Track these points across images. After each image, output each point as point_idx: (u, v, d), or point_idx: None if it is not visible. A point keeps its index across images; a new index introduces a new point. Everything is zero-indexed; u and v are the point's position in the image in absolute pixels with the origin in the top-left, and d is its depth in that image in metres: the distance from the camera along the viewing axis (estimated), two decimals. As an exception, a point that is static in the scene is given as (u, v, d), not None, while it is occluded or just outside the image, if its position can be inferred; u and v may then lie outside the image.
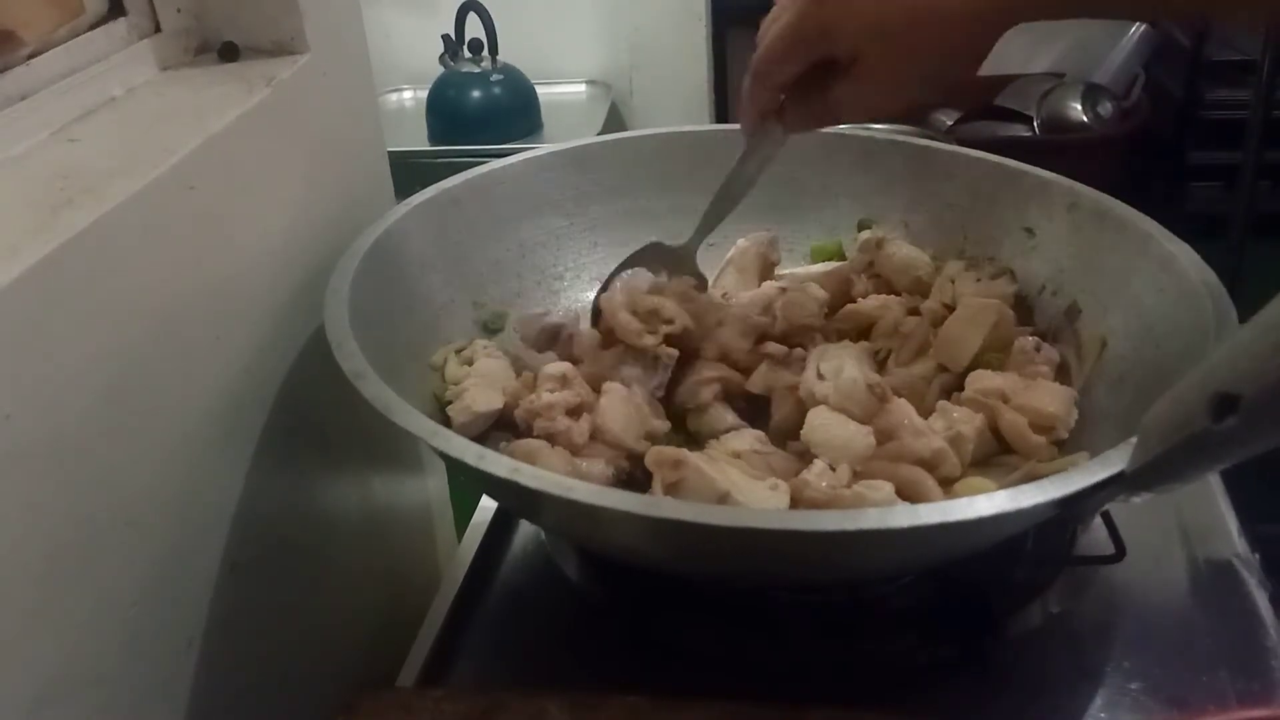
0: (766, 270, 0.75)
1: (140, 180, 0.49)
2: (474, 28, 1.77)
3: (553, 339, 0.69)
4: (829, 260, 0.77)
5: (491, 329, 0.71)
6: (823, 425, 0.59)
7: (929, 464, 0.57)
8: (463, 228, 0.71)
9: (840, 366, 0.62)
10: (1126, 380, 0.61)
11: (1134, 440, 0.45)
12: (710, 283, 0.75)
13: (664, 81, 1.98)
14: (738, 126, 0.64)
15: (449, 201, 0.70)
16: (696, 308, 0.67)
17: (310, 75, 0.64)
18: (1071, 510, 0.48)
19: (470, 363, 0.65)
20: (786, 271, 0.76)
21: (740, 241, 0.76)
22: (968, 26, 0.52)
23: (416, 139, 1.83)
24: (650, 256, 0.71)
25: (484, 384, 0.62)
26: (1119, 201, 0.67)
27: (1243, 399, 0.37)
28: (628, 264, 0.70)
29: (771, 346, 0.66)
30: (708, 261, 0.78)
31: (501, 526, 0.69)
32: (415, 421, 0.50)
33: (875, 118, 0.60)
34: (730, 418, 0.64)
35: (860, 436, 0.58)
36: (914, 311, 0.70)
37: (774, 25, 0.56)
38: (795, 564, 0.51)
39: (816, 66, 0.56)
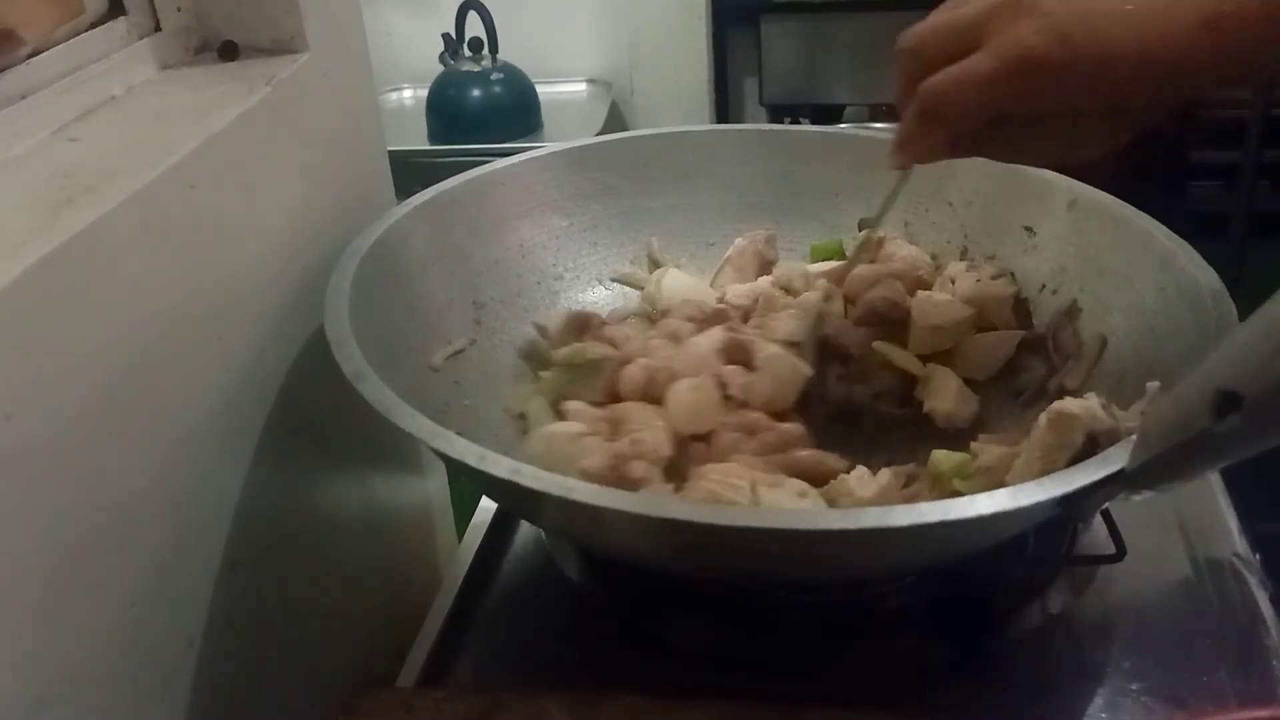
0: (764, 269, 0.75)
1: (140, 180, 0.49)
2: (474, 27, 1.78)
3: (582, 328, 0.69)
4: (829, 259, 0.77)
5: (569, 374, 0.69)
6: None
7: None
8: (463, 228, 0.71)
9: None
10: (1127, 379, 0.61)
11: (1134, 438, 0.45)
12: (709, 282, 0.75)
13: (664, 81, 1.99)
14: (738, 126, 0.64)
15: (449, 202, 0.70)
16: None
17: (310, 74, 0.64)
18: (1072, 509, 0.48)
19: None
20: (785, 266, 0.76)
21: (738, 240, 0.76)
22: (1167, 91, 0.49)
23: (417, 138, 1.83)
24: None
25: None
26: (1119, 200, 0.67)
27: (1245, 397, 0.37)
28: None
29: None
30: (707, 261, 0.78)
31: (501, 526, 0.69)
32: (416, 423, 0.50)
33: (1027, 164, 0.58)
34: None
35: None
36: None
37: (962, 69, 0.50)
38: (795, 563, 0.51)
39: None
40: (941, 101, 0.51)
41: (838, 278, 0.72)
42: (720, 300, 0.72)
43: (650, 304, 0.74)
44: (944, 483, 0.57)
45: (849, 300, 0.70)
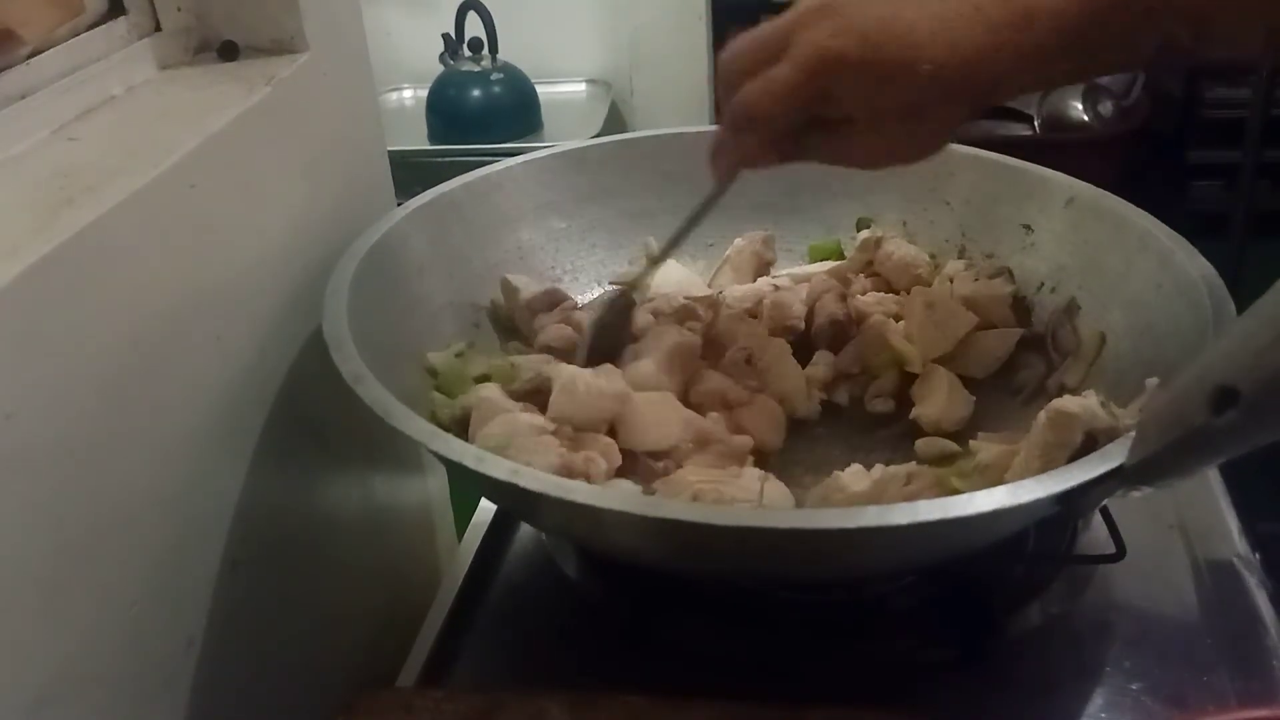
0: (762, 269, 0.75)
1: (140, 179, 0.49)
2: (474, 27, 1.78)
3: (552, 306, 0.69)
4: (827, 259, 0.78)
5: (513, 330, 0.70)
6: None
7: None
8: (461, 230, 0.71)
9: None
10: (1126, 376, 0.61)
11: (1133, 434, 0.45)
12: (708, 282, 0.75)
13: (664, 81, 1.98)
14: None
15: (448, 204, 0.70)
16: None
17: (310, 74, 0.64)
18: (1072, 505, 0.48)
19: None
20: (784, 272, 0.76)
21: (737, 241, 0.76)
22: (976, 91, 0.50)
23: (416, 138, 1.83)
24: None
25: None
26: (1117, 197, 0.67)
27: (1242, 392, 0.37)
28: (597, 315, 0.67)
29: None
30: (706, 261, 0.78)
31: (501, 526, 0.69)
32: (414, 425, 0.50)
33: (856, 167, 0.58)
34: None
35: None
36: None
37: (757, 70, 0.52)
38: (795, 562, 0.51)
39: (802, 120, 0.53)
40: (749, 110, 0.52)
41: (840, 278, 0.72)
42: (716, 298, 0.72)
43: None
44: (931, 474, 0.57)
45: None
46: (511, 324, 0.71)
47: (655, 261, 0.68)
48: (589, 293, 0.76)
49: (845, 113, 0.51)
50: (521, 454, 0.54)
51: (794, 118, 0.52)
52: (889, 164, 0.56)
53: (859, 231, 0.78)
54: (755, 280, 0.75)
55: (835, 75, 0.49)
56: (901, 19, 0.48)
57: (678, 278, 0.74)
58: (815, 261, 0.78)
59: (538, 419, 0.57)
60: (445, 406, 0.62)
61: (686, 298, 0.70)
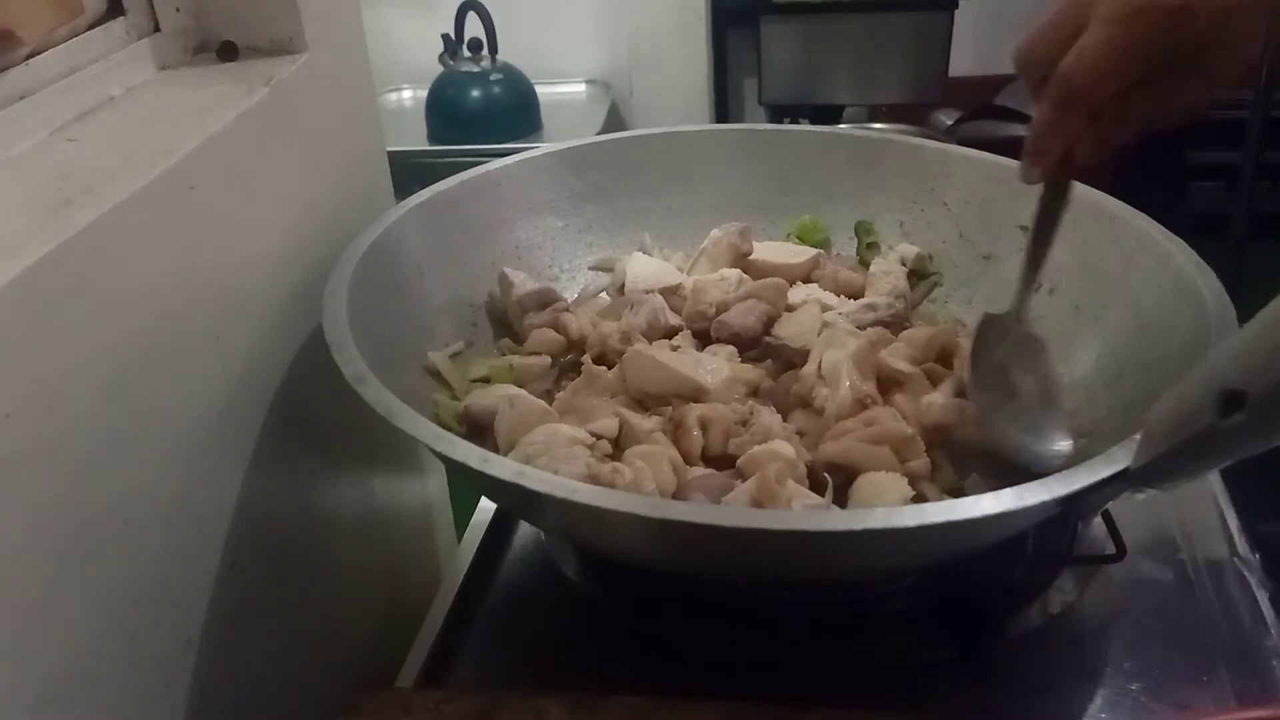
0: (739, 260, 0.75)
1: (140, 180, 0.49)
2: (474, 27, 1.78)
3: (542, 306, 0.70)
4: (803, 239, 0.78)
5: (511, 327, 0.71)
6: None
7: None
8: (459, 229, 0.71)
9: (838, 368, 0.62)
10: (1125, 377, 0.61)
11: (1138, 437, 0.45)
12: (686, 271, 0.75)
13: (664, 81, 1.98)
14: (732, 126, 0.63)
15: (446, 203, 0.70)
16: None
17: (309, 75, 0.64)
18: (1076, 508, 0.48)
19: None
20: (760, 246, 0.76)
21: (714, 232, 0.76)
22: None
23: (416, 139, 1.83)
24: (986, 330, 0.62)
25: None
26: (1115, 199, 0.67)
27: (1249, 395, 0.37)
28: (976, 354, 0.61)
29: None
30: (683, 248, 0.77)
31: (501, 526, 0.69)
32: (417, 425, 0.50)
33: (1176, 117, 0.54)
34: None
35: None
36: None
37: (1079, 49, 0.49)
38: (798, 563, 0.51)
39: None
40: (1072, 80, 0.50)
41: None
42: (681, 287, 0.72)
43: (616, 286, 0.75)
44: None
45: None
46: (505, 320, 0.71)
47: (1022, 293, 0.61)
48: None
49: (1178, 56, 0.49)
50: (554, 462, 0.55)
51: (1121, 76, 0.49)
52: (1209, 97, 0.52)
53: (858, 236, 0.78)
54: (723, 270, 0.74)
55: (1150, 21, 0.48)
56: None
57: (650, 269, 0.74)
58: (799, 243, 0.78)
59: (577, 431, 0.58)
60: (446, 406, 0.62)
61: (661, 289, 0.71)
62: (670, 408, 0.61)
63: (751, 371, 0.66)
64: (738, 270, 0.73)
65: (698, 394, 0.62)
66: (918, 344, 0.66)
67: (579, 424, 0.60)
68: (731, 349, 0.68)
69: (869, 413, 0.60)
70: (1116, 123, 0.52)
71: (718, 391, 0.62)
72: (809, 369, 0.64)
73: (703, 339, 0.70)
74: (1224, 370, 0.39)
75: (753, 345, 0.69)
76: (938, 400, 0.60)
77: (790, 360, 0.67)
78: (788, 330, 0.69)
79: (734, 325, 0.68)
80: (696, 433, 0.59)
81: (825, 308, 0.71)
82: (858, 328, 0.68)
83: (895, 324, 0.70)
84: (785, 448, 0.57)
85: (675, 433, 0.60)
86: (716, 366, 0.64)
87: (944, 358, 0.66)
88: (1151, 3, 0.47)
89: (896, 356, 0.64)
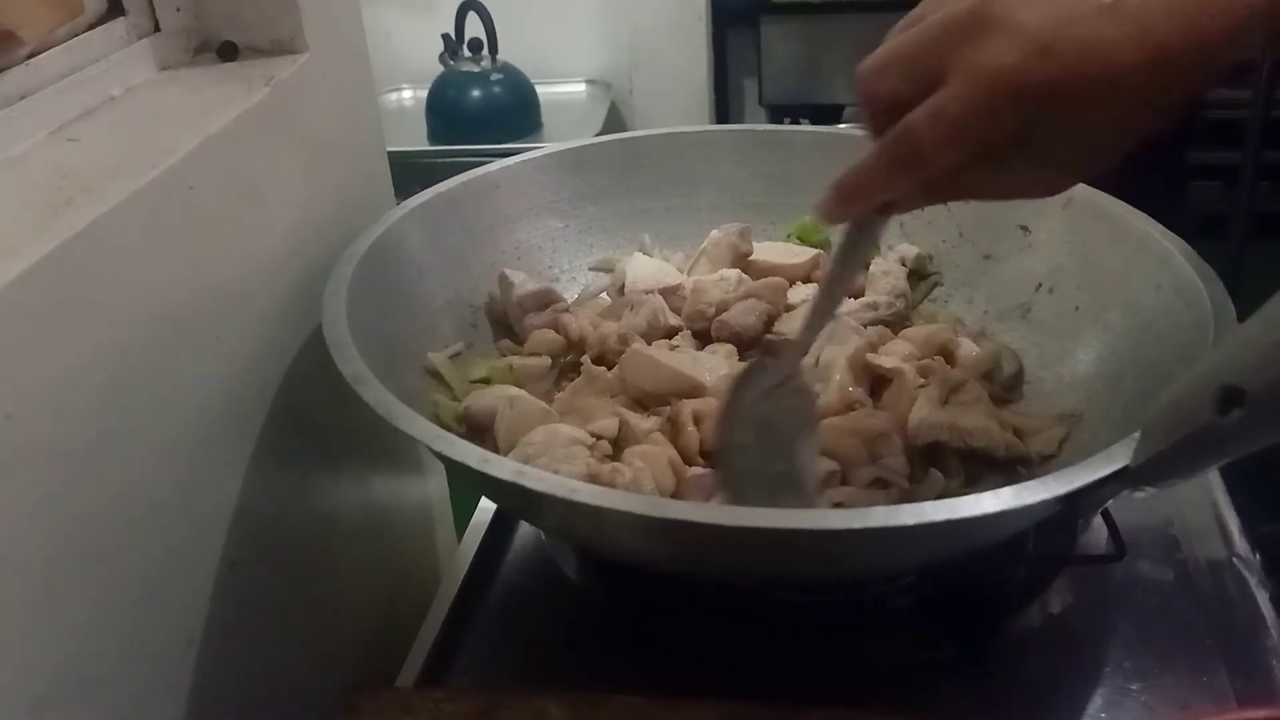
0: (739, 261, 0.75)
1: (140, 180, 0.49)
2: (474, 27, 1.78)
3: (543, 306, 0.70)
4: (803, 240, 0.78)
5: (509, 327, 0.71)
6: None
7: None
8: (459, 230, 0.71)
9: (832, 366, 0.62)
10: (1125, 376, 0.61)
11: (1137, 435, 0.45)
12: (686, 272, 0.75)
13: (664, 81, 1.99)
14: (732, 127, 0.63)
15: (446, 204, 0.70)
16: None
17: (310, 75, 0.64)
18: (1077, 506, 0.48)
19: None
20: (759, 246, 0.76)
21: (713, 233, 0.75)
22: (1150, 79, 0.41)
23: (416, 139, 1.83)
24: (756, 373, 0.57)
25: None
26: (1114, 199, 0.67)
27: (1249, 393, 0.37)
28: (738, 389, 0.56)
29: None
30: (683, 249, 0.78)
31: (501, 526, 0.69)
32: (417, 426, 0.50)
33: (1012, 199, 0.52)
34: None
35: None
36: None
37: (934, 110, 0.43)
38: (800, 562, 0.51)
39: None
40: (919, 146, 0.44)
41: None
42: (681, 288, 0.72)
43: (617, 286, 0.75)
44: None
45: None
46: (505, 320, 0.71)
47: (807, 335, 0.56)
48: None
49: (1019, 142, 0.43)
50: (554, 462, 0.55)
51: (972, 152, 0.43)
52: (1054, 192, 0.48)
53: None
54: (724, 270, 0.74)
55: (1018, 102, 0.42)
56: (1079, 17, 0.41)
57: (650, 269, 0.74)
58: (799, 243, 0.78)
59: (577, 431, 0.58)
60: (446, 407, 0.62)
61: (661, 289, 0.72)
62: (669, 407, 0.61)
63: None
64: (737, 270, 0.73)
65: (696, 392, 0.62)
66: (917, 341, 0.67)
67: (579, 424, 0.60)
68: (731, 348, 0.68)
69: (855, 411, 0.60)
70: (948, 189, 0.48)
71: (715, 388, 0.62)
72: (806, 361, 0.64)
73: (703, 339, 0.70)
74: (1223, 368, 0.39)
75: (753, 344, 0.69)
76: (926, 419, 0.59)
77: None
78: (789, 328, 0.69)
79: (734, 324, 0.69)
80: (692, 429, 0.59)
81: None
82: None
83: (896, 324, 0.71)
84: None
85: (672, 431, 0.60)
86: (715, 364, 0.64)
87: (944, 354, 0.67)
88: (1023, 81, 0.41)
89: (891, 353, 0.65)
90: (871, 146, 0.46)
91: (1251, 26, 0.41)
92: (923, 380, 0.63)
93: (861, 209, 0.49)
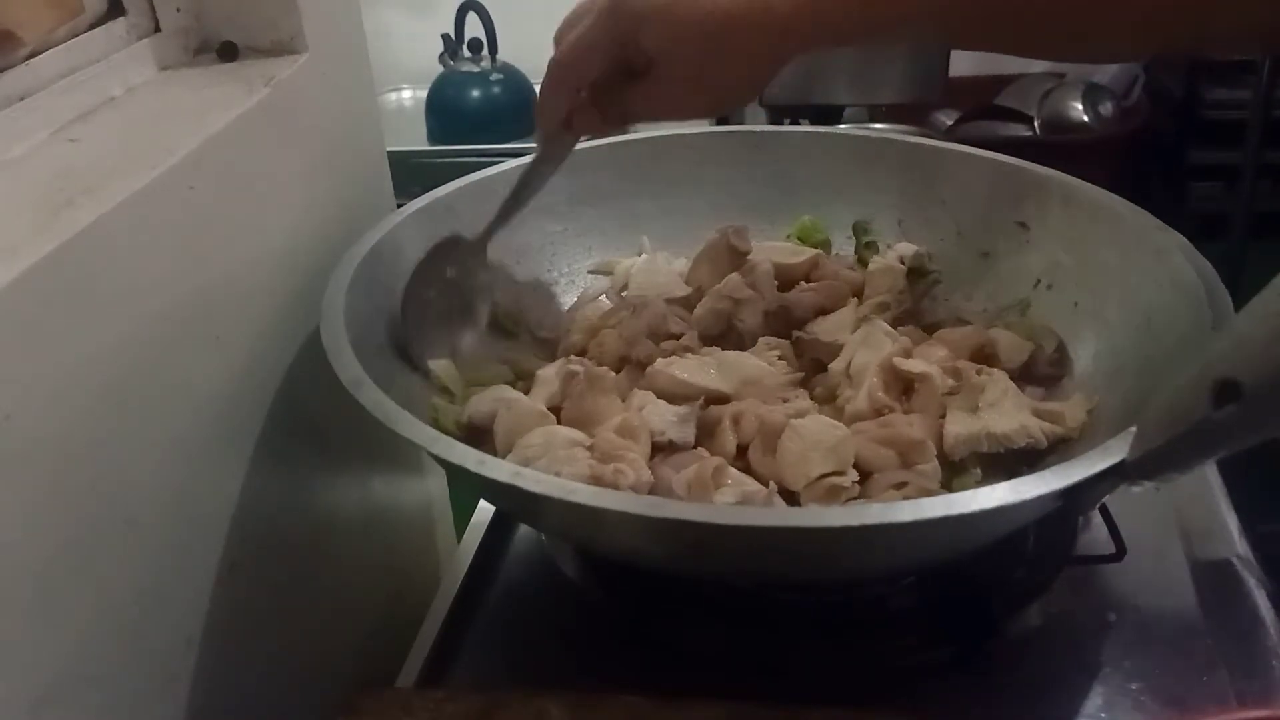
0: (738, 261, 0.75)
1: (140, 180, 0.49)
2: (474, 27, 1.78)
3: None
4: (803, 239, 0.77)
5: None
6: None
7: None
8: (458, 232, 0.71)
9: (864, 373, 0.62)
10: (1124, 371, 0.61)
11: (1133, 430, 0.45)
12: (684, 276, 0.75)
13: (664, 82, 1.98)
14: (731, 128, 0.64)
15: (443, 208, 0.70)
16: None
17: (310, 75, 0.64)
18: (1074, 501, 0.48)
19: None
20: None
21: (711, 234, 0.75)
22: (768, 39, 0.54)
23: (416, 139, 1.83)
24: (446, 249, 0.68)
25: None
26: (1113, 195, 0.67)
27: (1244, 386, 0.37)
28: (426, 260, 0.67)
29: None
30: (683, 250, 0.77)
31: (501, 527, 0.69)
32: (416, 430, 0.50)
33: (670, 119, 0.62)
34: None
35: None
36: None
37: (573, 30, 0.58)
38: (800, 561, 0.51)
39: (614, 71, 0.58)
40: (560, 60, 0.58)
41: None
42: (693, 293, 0.72)
43: (616, 289, 0.75)
44: None
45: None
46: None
47: (494, 225, 0.68)
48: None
49: (648, 59, 0.56)
50: (554, 464, 0.55)
51: (601, 66, 0.57)
52: (699, 113, 0.60)
53: (856, 235, 0.78)
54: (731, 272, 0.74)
55: (633, 20, 0.55)
56: None
57: (658, 279, 0.74)
58: (799, 243, 0.77)
59: (574, 433, 0.58)
60: (446, 410, 0.62)
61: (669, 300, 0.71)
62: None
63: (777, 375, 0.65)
64: (737, 275, 0.73)
65: (723, 401, 0.62)
66: (951, 344, 0.66)
67: (590, 429, 0.59)
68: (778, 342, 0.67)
69: (886, 416, 0.60)
70: (611, 106, 0.60)
71: (743, 391, 0.62)
72: (838, 365, 0.64)
73: (709, 343, 0.69)
74: (1218, 361, 0.39)
75: (798, 326, 0.69)
76: (960, 433, 0.59)
77: (820, 359, 0.67)
78: (821, 325, 0.68)
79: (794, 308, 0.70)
80: (729, 431, 0.59)
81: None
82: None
83: (895, 324, 0.70)
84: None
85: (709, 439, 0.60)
86: (741, 367, 0.64)
87: (979, 357, 0.66)
88: (619, 9, 0.55)
89: (925, 358, 0.64)
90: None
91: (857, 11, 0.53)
92: (953, 383, 0.62)
93: (546, 122, 0.62)
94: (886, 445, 0.57)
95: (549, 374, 0.64)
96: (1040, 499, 0.44)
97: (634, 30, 0.55)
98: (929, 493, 0.56)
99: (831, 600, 0.60)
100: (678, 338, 0.69)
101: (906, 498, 0.55)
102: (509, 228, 0.74)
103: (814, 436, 0.56)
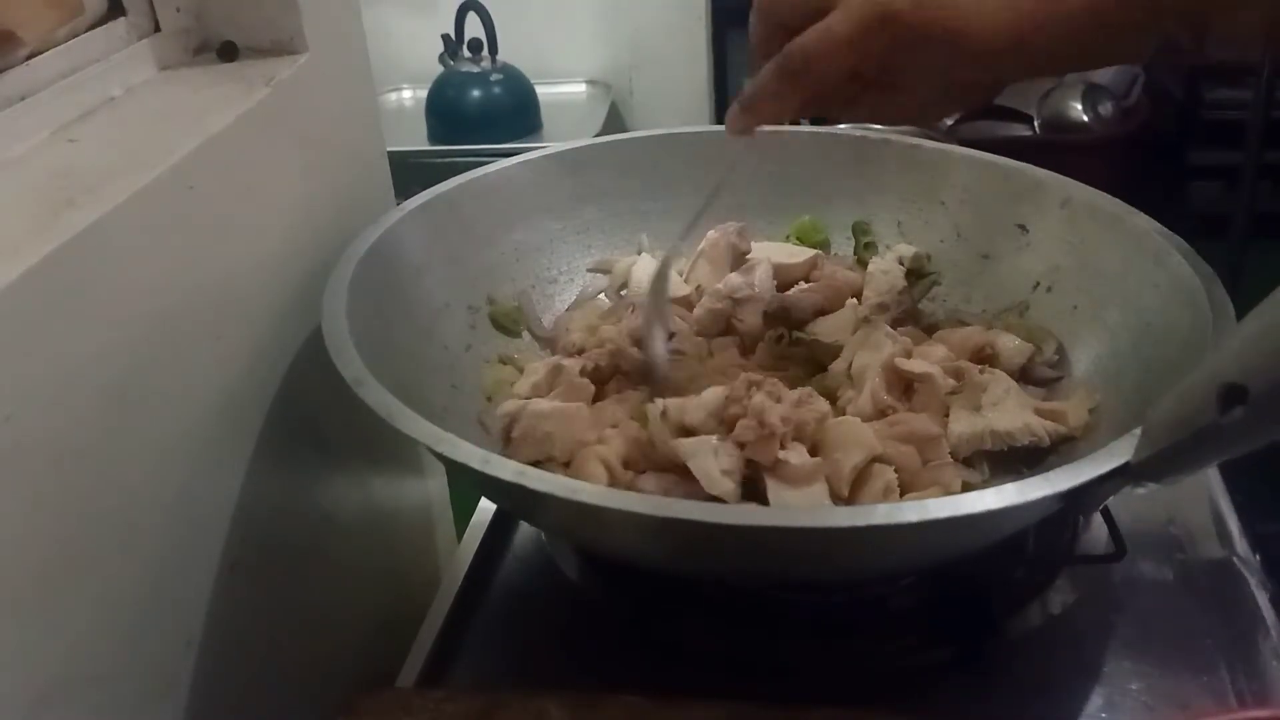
0: (738, 260, 0.75)
1: (140, 180, 0.49)
2: (474, 27, 1.78)
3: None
4: (801, 239, 0.78)
5: (507, 329, 0.71)
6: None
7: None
8: (458, 231, 0.71)
9: (866, 374, 0.62)
10: (1125, 374, 0.61)
11: (1138, 432, 0.45)
12: (683, 277, 0.75)
13: (664, 81, 1.99)
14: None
15: (444, 206, 0.70)
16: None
17: (310, 75, 0.64)
18: (1078, 503, 0.48)
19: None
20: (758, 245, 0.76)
21: (710, 233, 0.75)
22: (1011, 46, 0.52)
23: (416, 139, 1.83)
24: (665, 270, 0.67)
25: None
26: (1112, 197, 0.67)
27: (1250, 390, 0.37)
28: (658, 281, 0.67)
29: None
30: (688, 249, 0.77)
31: (501, 527, 0.69)
32: (419, 427, 0.50)
33: (891, 125, 0.63)
34: None
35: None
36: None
37: (823, 29, 0.53)
38: (802, 561, 0.51)
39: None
40: (809, 56, 0.53)
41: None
42: (693, 293, 0.72)
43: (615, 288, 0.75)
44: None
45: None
46: (504, 324, 0.71)
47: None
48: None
49: (887, 71, 0.54)
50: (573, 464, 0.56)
51: (847, 72, 0.54)
52: (920, 123, 0.61)
53: (855, 236, 0.78)
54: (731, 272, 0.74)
55: (888, 33, 0.52)
56: None
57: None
58: (798, 243, 0.77)
59: (591, 433, 0.59)
60: (489, 414, 0.63)
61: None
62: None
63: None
64: (736, 275, 0.73)
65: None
66: (952, 344, 0.66)
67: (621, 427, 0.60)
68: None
69: (895, 415, 0.60)
70: (842, 107, 0.58)
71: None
72: (838, 366, 0.64)
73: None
74: (1225, 366, 0.39)
75: (797, 326, 0.69)
76: (964, 432, 0.59)
77: (819, 359, 0.67)
78: (821, 326, 0.68)
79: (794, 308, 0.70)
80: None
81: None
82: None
83: (894, 324, 0.70)
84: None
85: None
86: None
87: (979, 358, 0.66)
88: (895, 16, 0.52)
89: (926, 358, 0.64)
90: (768, 64, 0.55)
91: (1093, 29, 0.51)
92: (955, 382, 0.62)
93: (762, 118, 0.58)
94: (904, 441, 0.57)
95: (538, 368, 0.65)
96: (1047, 499, 0.45)
97: (886, 44, 0.52)
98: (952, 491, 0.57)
99: (832, 600, 0.60)
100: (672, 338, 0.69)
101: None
102: (508, 227, 0.74)
103: (850, 431, 0.57)
